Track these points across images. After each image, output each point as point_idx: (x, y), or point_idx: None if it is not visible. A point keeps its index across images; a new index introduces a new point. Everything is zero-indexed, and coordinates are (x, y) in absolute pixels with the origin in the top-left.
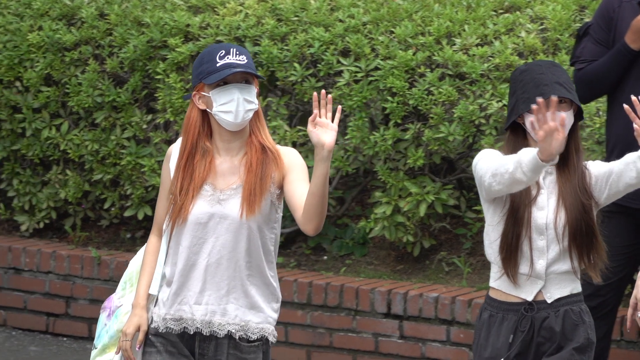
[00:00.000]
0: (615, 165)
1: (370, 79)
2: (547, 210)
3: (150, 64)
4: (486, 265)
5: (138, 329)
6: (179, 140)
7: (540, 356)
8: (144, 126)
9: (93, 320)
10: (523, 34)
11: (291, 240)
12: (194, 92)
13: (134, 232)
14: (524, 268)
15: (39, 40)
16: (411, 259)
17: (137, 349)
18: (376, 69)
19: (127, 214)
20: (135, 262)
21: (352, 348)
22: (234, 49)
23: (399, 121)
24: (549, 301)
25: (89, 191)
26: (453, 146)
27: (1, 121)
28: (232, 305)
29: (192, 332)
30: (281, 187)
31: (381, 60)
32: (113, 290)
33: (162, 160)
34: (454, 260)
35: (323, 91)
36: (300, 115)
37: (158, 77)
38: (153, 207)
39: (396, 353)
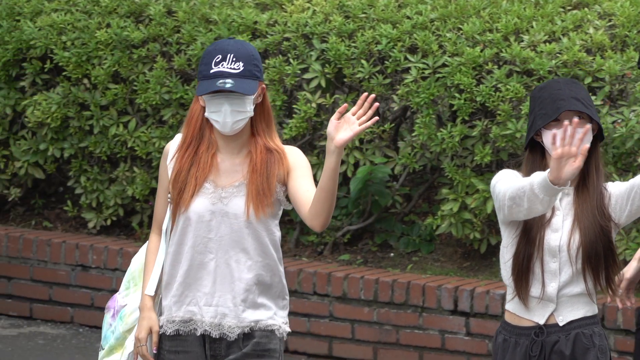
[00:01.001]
0: (637, 179)
1: (437, 75)
2: (561, 232)
3: None
4: None
5: (150, 332)
6: (176, 137)
7: None
8: None
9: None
10: (591, 30)
11: (358, 238)
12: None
13: None
14: (535, 290)
15: (107, 38)
16: (478, 256)
17: (153, 351)
18: (443, 65)
19: None
20: (137, 260)
21: (418, 345)
22: (231, 55)
23: (466, 118)
24: (561, 324)
25: (156, 188)
26: (520, 143)
27: (69, 118)
28: (242, 306)
29: (199, 334)
30: (286, 185)
31: (449, 57)
32: None
33: None
34: None
35: (373, 95)
36: None
37: None
38: None
39: (462, 350)
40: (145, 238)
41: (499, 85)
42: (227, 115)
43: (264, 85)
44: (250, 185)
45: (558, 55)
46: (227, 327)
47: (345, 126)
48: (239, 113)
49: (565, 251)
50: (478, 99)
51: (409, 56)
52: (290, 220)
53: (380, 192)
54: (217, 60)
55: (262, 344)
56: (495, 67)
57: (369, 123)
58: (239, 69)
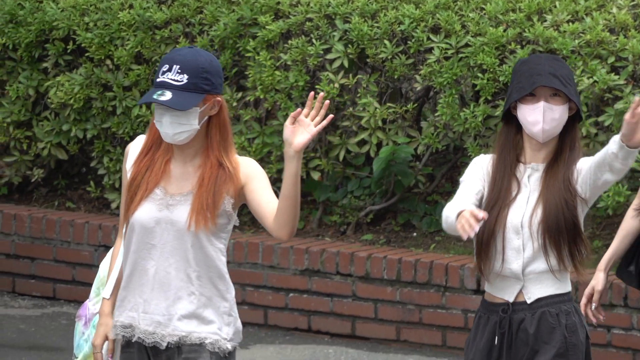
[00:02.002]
0: (603, 152)
1: (460, 55)
2: (525, 208)
3: (241, 41)
4: None
5: (106, 338)
6: (137, 139)
7: (521, 358)
8: (234, 104)
9: None
10: (614, 10)
11: (380, 217)
12: None
13: None
14: (497, 267)
15: (129, 19)
16: None
17: (109, 358)
18: (466, 45)
19: None
20: (105, 266)
21: (441, 324)
22: (177, 66)
23: (489, 98)
24: (528, 302)
25: None
26: None
27: (92, 99)
28: (176, 317)
29: (134, 340)
30: (237, 197)
31: (471, 37)
32: None
33: (253, 138)
34: None
35: (321, 94)
36: (390, 92)
37: (248, 55)
38: None
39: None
40: None
41: None
42: (167, 127)
43: (218, 99)
44: (196, 198)
45: (581, 34)
46: (159, 335)
47: (301, 130)
48: (180, 125)
49: (527, 227)
50: (501, 78)
51: (431, 36)
52: (313, 201)
53: (403, 172)
54: (164, 70)
55: (191, 359)
56: (518, 46)
57: (325, 123)
58: (181, 81)
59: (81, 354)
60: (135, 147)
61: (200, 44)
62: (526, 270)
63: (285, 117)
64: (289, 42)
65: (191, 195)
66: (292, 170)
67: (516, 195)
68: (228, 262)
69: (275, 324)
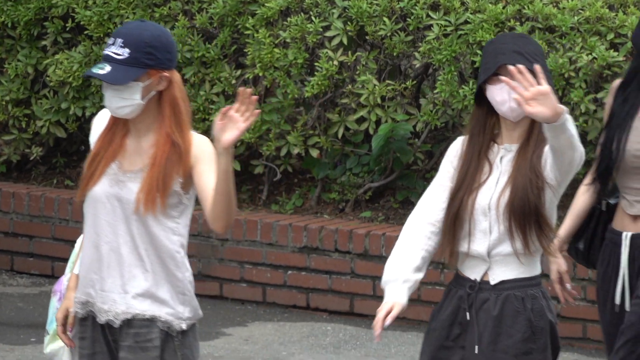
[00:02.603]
0: None
1: (459, 32)
2: (493, 190)
3: (240, 19)
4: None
5: (68, 313)
6: (102, 112)
7: (481, 339)
8: (233, 81)
9: None
10: None
11: (379, 194)
12: None
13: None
14: (465, 247)
15: None
16: None
17: (69, 332)
18: (466, 22)
19: None
20: (80, 241)
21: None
22: (121, 40)
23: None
24: (492, 283)
25: None
26: None
27: (91, 77)
28: (132, 295)
29: (86, 316)
30: (186, 177)
31: (471, 14)
32: (202, 246)
33: None
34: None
35: (249, 90)
36: (389, 70)
37: (247, 33)
38: (242, 162)
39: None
40: None
41: None
42: (109, 100)
43: (166, 74)
44: (146, 179)
45: (580, 11)
46: (113, 313)
47: (231, 125)
48: (122, 100)
49: (494, 209)
50: None
51: (431, 13)
52: (311, 178)
53: (402, 149)
54: (109, 43)
55: (142, 334)
56: (518, 23)
57: (253, 118)
58: (122, 55)
59: (52, 329)
60: (99, 121)
61: (200, 21)
62: (492, 252)
63: (284, 94)
64: (288, 19)
65: (141, 174)
66: (222, 165)
67: (487, 177)
68: (226, 240)
69: (273, 302)
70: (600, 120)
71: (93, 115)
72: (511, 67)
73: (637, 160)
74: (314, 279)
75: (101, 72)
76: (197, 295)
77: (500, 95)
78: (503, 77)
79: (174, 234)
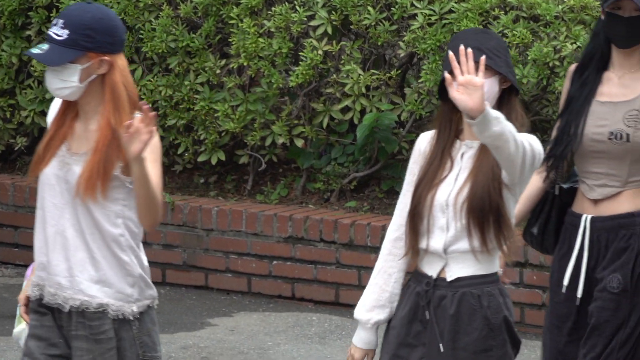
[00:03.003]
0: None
1: (444, 22)
2: (452, 187)
3: (224, 8)
4: None
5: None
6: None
7: (440, 336)
8: (218, 71)
9: (167, 266)
10: None
11: (364, 184)
12: None
13: (207, 177)
14: (424, 243)
15: None
16: None
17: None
18: (450, 11)
19: (200, 159)
20: None
21: None
22: (62, 21)
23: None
24: (448, 280)
25: (162, 137)
26: (527, 89)
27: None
28: (79, 279)
29: (43, 301)
30: (127, 164)
31: (455, 3)
32: (187, 236)
33: (236, 105)
34: None
35: (147, 106)
36: (373, 59)
37: (232, 22)
38: (227, 152)
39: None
40: None
41: (506, 31)
42: (48, 81)
43: (106, 58)
44: (87, 165)
45: (564, 0)
46: (61, 297)
47: (136, 136)
48: (61, 81)
49: (452, 206)
50: None
51: (415, 2)
52: (296, 168)
53: (387, 138)
54: (53, 23)
55: (95, 327)
56: (502, 12)
57: (154, 129)
58: (61, 36)
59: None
60: (55, 104)
61: (184, 11)
62: (449, 249)
63: (269, 84)
64: (273, 9)
65: (85, 157)
66: (136, 173)
67: (448, 173)
68: (211, 230)
69: (258, 292)
70: None
71: None
72: (461, 47)
73: (595, 144)
74: (299, 269)
75: (37, 51)
76: (183, 285)
77: None
78: (450, 54)
79: (117, 217)
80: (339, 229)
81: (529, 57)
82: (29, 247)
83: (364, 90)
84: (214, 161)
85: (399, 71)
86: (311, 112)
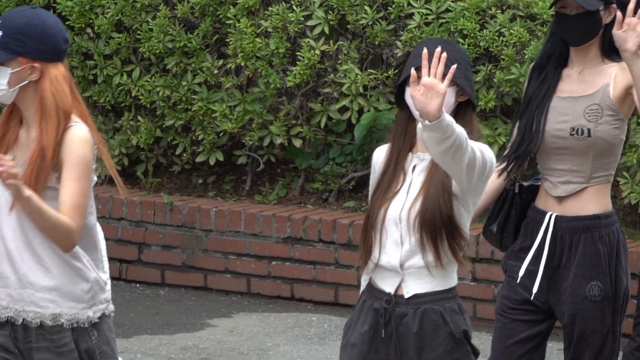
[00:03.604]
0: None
1: (441, 21)
2: (404, 200)
3: (221, 9)
4: None
5: None
6: None
7: (405, 353)
8: (215, 71)
9: (166, 267)
10: None
11: (362, 184)
12: None
13: (205, 177)
14: (377, 258)
15: None
16: None
17: None
18: (447, 11)
19: (199, 159)
20: None
21: None
22: (0, 22)
23: (470, 63)
24: (405, 296)
25: (160, 137)
26: (524, 87)
27: (73, 68)
28: (30, 290)
29: None
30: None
31: (452, 2)
32: (186, 237)
33: (234, 106)
34: None
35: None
36: (371, 59)
37: (229, 22)
38: (225, 153)
39: (469, 295)
40: (150, 187)
41: (503, 30)
42: None
43: (36, 65)
44: (23, 175)
45: None
46: (13, 310)
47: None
48: None
49: (405, 220)
50: (482, 43)
51: (412, 2)
52: (295, 168)
53: (385, 138)
54: None
55: (56, 340)
56: (499, 11)
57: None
58: None
59: None
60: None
61: (181, 11)
62: (405, 264)
63: (266, 84)
64: (270, 9)
65: (23, 168)
66: (24, 207)
67: (400, 186)
68: (210, 231)
69: (258, 292)
70: None
71: None
72: (438, 49)
73: (557, 141)
74: (298, 270)
75: None
76: (182, 286)
77: None
78: (425, 52)
79: None
80: (337, 229)
81: (526, 56)
82: None
83: (361, 89)
84: (212, 161)
85: (397, 70)
86: (309, 112)
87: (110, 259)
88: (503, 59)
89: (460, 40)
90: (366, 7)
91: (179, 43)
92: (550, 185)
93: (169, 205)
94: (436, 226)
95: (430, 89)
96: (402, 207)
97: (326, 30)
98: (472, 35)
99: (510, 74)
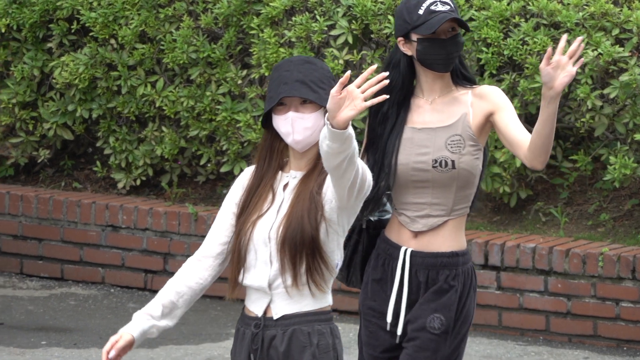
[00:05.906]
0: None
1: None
2: (274, 220)
3: (245, 19)
4: (583, 215)
5: None
6: None
7: None
8: (239, 81)
9: None
10: None
11: None
12: None
13: (230, 187)
14: (248, 279)
15: None
16: (508, 210)
17: None
18: (470, 19)
19: (223, 169)
20: None
21: None
22: None
23: (494, 72)
24: (274, 317)
25: (185, 147)
26: None
27: (97, 79)
28: None
29: None
30: None
31: (475, 10)
32: None
33: (258, 116)
34: (550, 211)
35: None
36: None
37: (252, 32)
38: (249, 163)
39: (494, 304)
40: (175, 197)
41: (526, 39)
42: None
43: None
44: None
45: (585, 7)
46: None
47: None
48: None
49: (274, 239)
50: (506, 52)
51: None
52: None
53: None
54: None
55: None
56: (523, 20)
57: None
58: None
59: None
60: None
61: (205, 21)
62: (273, 284)
63: None
64: (293, 18)
65: None
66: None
67: (270, 206)
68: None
69: None
70: (607, 117)
71: (100, 117)
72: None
73: (418, 174)
74: None
75: None
76: (207, 296)
77: (285, 127)
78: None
79: None
80: None
81: None
82: (53, 260)
83: None
84: (236, 171)
85: None
86: None
87: (136, 269)
88: (527, 68)
89: (484, 49)
90: (389, 17)
91: (202, 53)
92: (407, 220)
93: (193, 216)
94: (296, 245)
95: (350, 97)
96: (271, 226)
97: (350, 39)
98: (495, 43)
99: (534, 82)
